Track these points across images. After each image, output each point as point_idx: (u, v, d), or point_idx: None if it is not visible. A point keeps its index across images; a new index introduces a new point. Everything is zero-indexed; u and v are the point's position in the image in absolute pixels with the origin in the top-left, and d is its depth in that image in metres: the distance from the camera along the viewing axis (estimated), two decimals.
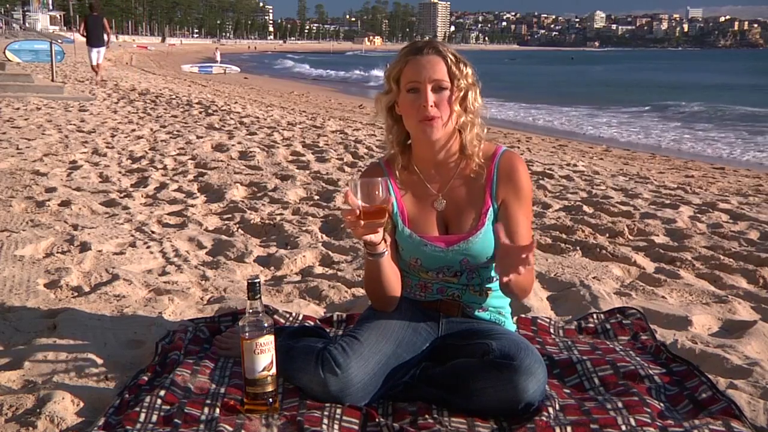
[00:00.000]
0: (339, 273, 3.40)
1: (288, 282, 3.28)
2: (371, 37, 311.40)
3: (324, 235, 4.15)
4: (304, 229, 4.20)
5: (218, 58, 43.19)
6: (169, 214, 4.61)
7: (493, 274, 2.21)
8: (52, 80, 15.64)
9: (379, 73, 33.00)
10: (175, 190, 5.33)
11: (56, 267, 3.33)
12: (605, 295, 3.04)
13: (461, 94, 2.07)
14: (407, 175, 2.20)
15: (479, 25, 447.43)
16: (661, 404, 2.02)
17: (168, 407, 1.93)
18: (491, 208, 2.13)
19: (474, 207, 2.15)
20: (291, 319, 2.66)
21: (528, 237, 2.14)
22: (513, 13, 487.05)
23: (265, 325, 1.92)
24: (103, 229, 4.09)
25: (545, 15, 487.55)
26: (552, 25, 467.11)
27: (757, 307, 3.03)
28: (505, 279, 1.82)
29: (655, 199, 5.51)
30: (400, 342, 2.11)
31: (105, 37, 15.67)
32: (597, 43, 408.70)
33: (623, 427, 1.86)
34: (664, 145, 12.93)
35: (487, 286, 2.22)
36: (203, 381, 2.12)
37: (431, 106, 2.03)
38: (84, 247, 3.68)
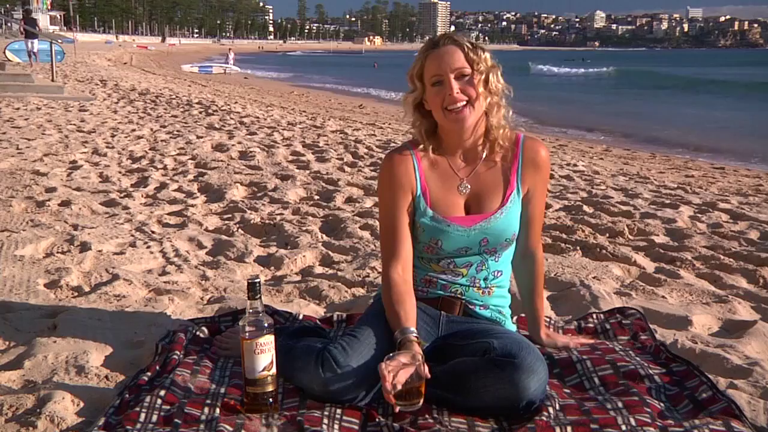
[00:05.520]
0: (339, 273, 3.40)
1: (288, 282, 3.28)
2: (371, 37, 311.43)
3: (324, 235, 4.15)
4: (304, 229, 4.20)
5: (231, 60, 40.64)
6: (169, 214, 4.61)
7: (500, 266, 2.23)
8: (52, 80, 15.64)
9: None
10: (175, 190, 5.33)
11: (56, 267, 3.33)
12: (605, 295, 3.04)
13: (483, 77, 2.12)
14: (434, 159, 2.23)
15: (479, 25, 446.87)
16: (661, 404, 2.02)
17: (168, 407, 1.93)
18: (515, 190, 2.20)
19: (498, 189, 2.21)
20: (291, 319, 2.66)
21: (541, 221, 2.35)
22: (513, 13, 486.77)
23: (265, 325, 1.92)
24: (103, 229, 4.08)
25: (545, 15, 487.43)
26: (552, 25, 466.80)
27: (757, 307, 3.03)
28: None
29: (655, 198, 5.51)
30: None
31: (36, 30, 22.18)
32: (597, 43, 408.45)
33: (623, 427, 1.86)
34: None
35: (491, 282, 2.23)
36: (203, 381, 2.12)
37: (457, 93, 2.08)
38: (84, 247, 3.68)
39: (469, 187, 2.20)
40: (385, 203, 2.24)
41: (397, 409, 1.90)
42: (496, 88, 2.16)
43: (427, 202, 2.20)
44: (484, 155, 2.22)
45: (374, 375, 1.98)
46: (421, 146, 2.23)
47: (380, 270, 3.38)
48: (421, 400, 1.92)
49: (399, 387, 1.87)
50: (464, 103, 2.10)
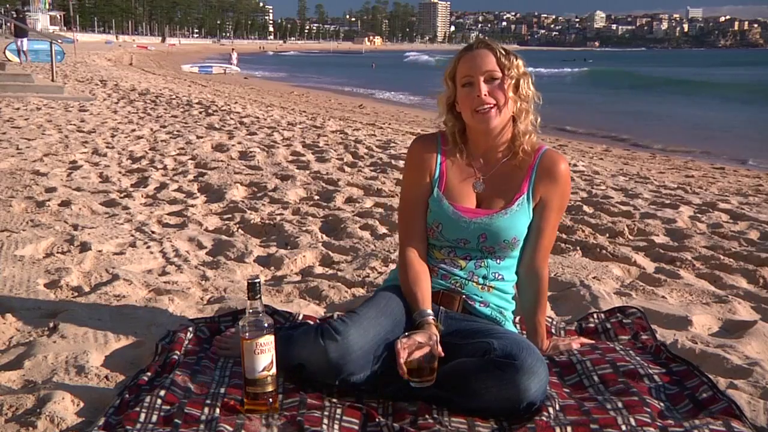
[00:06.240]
0: (339, 273, 3.40)
1: (288, 282, 3.28)
2: (371, 37, 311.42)
3: (324, 235, 4.15)
4: (304, 229, 4.20)
5: (234, 60, 40.19)
6: (169, 214, 4.61)
7: (501, 270, 2.24)
8: (52, 80, 15.64)
9: None
10: (175, 190, 5.33)
11: (56, 267, 3.33)
12: (605, 295, 3.04)
13: (513, 82, 2.18)
14: (458, 154, 2.30)
15: (479, 25, 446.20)
16: (661, 404, 2.02)
17: (168, 407, 1.93)
18: (524, 195, 2.24)
19: (509, 191, 2.26)
20: (291, 319, 2.66)
21: (552, 237, 2.31)
22: (513, 13, 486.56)
23: (265, 325, 1.92)
24: (103, 229, 4.08)
25: (545, 15, 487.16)
26: (552, 25, 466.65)
27: (757, 307, 3.03)
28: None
29: (655, 199, 5.51)
30: (398, 323, 2.14)
31: (26, 29, 24.42)
32: (597, 43, 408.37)
33: (623, 427, 1.86)
34: None
35: (491, 282, 2.24)
36: (203, 381, 2.12)
37: (485, 95, 2.14)
38: (84, 247, 3.67)
39: (484, 186, 2.26)
40: (406, 183, 2.36)
41: (411, 384, 1.96)
42: (526, 95, 2.21)
43: (441, 186, 2.26)
44: (505, 159, 2.27)
45: (373, 346, 2.02)
46: (450, 144, 2.30)
47: (380, 270, 3.40)
48: (434, 378, 1.97)
49: (411, 364, 1.94)
50: (491, 105, 2.14)
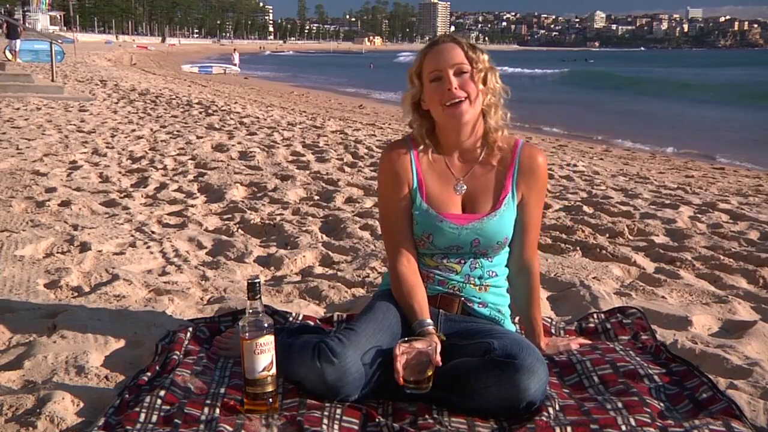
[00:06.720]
0: (339, 273, 3.40)
1: (288, 282, 3.28)
2: (371, 38, 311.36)
3: (324, 235, 4.15)
4: (304, 229, 4.19)
5: (236, 61, 39.70)
6: (169, 214, 4.61)
7: (494, 267, 2.23)
8: (52, 80, 15.64)
9: None
10: (175, 190, 5.33)
11: (56, 267, 3.33)
12: (605, 295, 3.04)
13: (482, 75, 2.14)
14: (432, 157, 2.25)
15: (479, 25, 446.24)
16: (661, 404, 2.02)
17: (168, 407, 1.93)
18: (509, 194, 2.21)
19: (493, 191, 2.22)
20: (291, 319, 2.66)
21: (537, 230, 2.32)
22: (513, 13, 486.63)
23: (265, 325, 1.92)
24: (103, 229, 4.08)
25: (545, 15, 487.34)
26: (552, 25, 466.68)
27: (757, 307, 3.03)
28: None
29: (655, 199, 5.51)
30: (396, 335, 2.11)
31: (20, 32, 24.77)
32: (597, 44, 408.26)
33: (623, 427, 1.86)
34: None
35: (486, 281, 2.23)
36: (203, 381, 2.12)
37: (455, 88, 2.10)
38: (84, 247, 3.67)
39: (465, 187, 2.22)
40: (383, 194, 2.30)
41: (407, 390, 1.95)
42: (494, 88, 2.18)
43: (423, 195, 2.22)
44: (481, 157, 2.23)
45: (371, 366, 1.99)
46: (421, 147, 2.24)
47: (380, 270, 3.40)
48: (429, 386, 1.96)
49: (409, 370, 1.93)
50: (463, 98, 2.11)
